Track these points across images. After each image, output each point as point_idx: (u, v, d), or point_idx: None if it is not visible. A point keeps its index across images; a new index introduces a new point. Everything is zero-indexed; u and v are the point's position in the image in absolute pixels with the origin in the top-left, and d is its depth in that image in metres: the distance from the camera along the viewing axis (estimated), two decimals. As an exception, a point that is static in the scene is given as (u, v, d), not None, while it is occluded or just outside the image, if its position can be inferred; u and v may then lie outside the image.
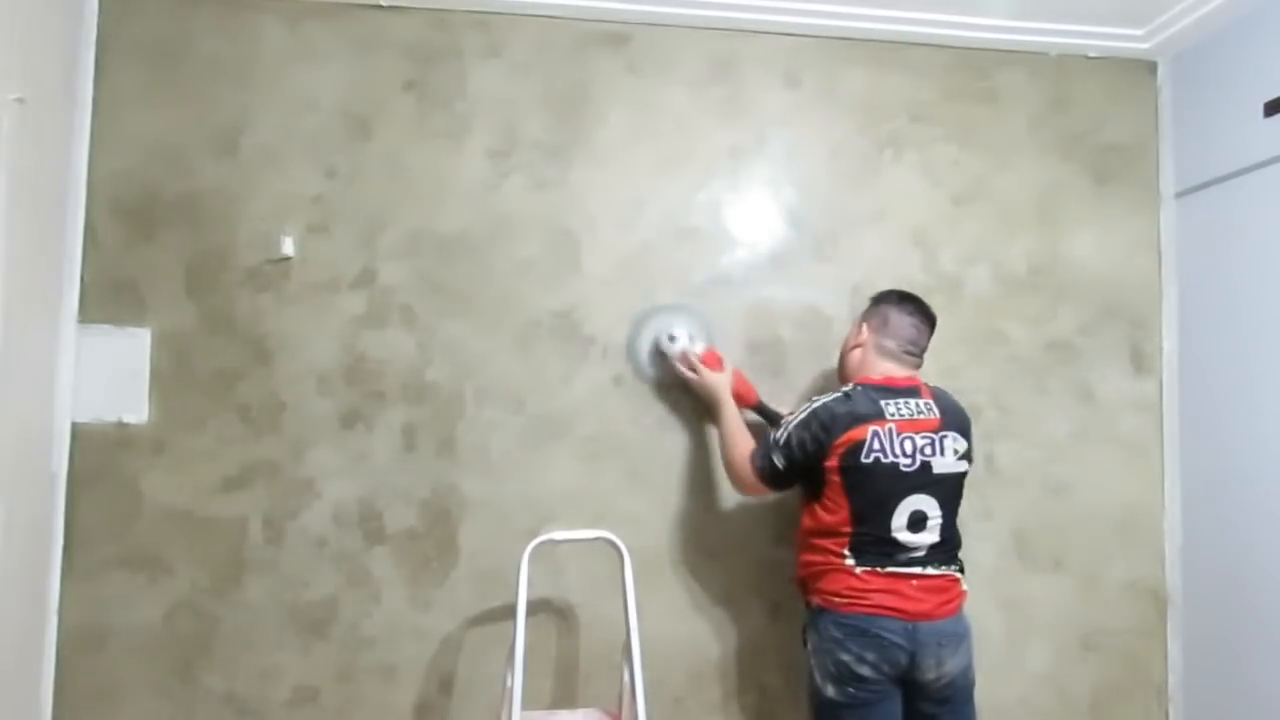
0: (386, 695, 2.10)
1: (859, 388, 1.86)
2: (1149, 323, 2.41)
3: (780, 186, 2.32)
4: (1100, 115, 2.44)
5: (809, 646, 1.85)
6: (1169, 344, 2.40)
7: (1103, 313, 2.40)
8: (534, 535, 2.03)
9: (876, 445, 1.77)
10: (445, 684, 2.12)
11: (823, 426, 1.80)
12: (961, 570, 1.87)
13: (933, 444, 1.81)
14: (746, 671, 2.21)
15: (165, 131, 2.11)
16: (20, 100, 1.67)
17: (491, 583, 2.14)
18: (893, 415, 1.80)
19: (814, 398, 1.89)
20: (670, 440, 2.22)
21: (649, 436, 2.21)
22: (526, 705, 1.85)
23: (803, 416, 1.84)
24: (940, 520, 1.81)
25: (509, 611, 2.13)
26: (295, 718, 2.07)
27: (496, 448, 2.17)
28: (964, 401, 1.89)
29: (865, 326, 1.97)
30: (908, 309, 1.96)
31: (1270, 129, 2.08)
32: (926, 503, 1.80)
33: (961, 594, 1.85)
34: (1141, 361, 2.41)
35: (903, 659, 1.74)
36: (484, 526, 2.15)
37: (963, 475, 1.87)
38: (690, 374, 2.10)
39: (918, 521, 1.79)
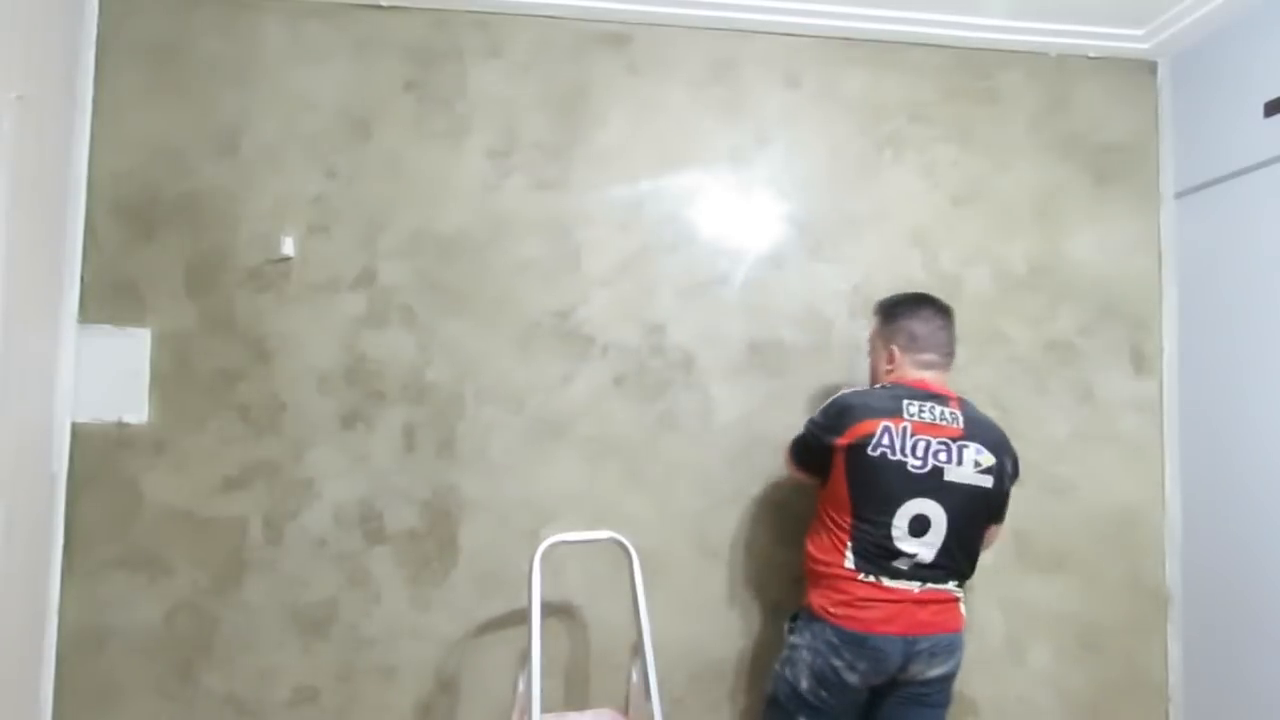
0: (386, 695, 2.10)
1: (886, 385, 1.88)
2: (1149, 323, 2.41)
3: (780, 186, 2.32)
4: (1100, 115, 2.44)
5: (795, 637, 1.83)
6: (1169, 344, 2.40)
7: (1103, 313, 2.39)
8: (534, 536, 2.03)
9: (885, 441, 1.77)
10: (445, 684, 2.12)
11: (839, 413, 1.83)
12: (960, 586, 1.83)
13: (948, 450, 1.78)
14: (747, 671, 2.21)
15: (165, 131, 2.11)
16: (21, 98, 1.67)
17: (491, 583, 2.14)
18: (911, 415, 1.79)
19: (843, 389, 1.92)
20: (670, 440, 2.22)
21: (649, 436, 2.21)
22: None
23: (826, 403, 1.89)
24: (945, 530, 1.76)
25: (509, 612, 2.13)
26: (295, 718, 2.07)
27: (497, 448, 2.17)
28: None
29: (895, 349, 1.91)
30: (926, 314, 1.92)
31: (1270, 129, 2.08)
32: (932, 509, 1.76)
33: (958, 612, 1.82)
34: (1141, 361, 2.40)
35: (894, 669, 1.75)
36: (484, 527, 2.15)
37: (984, 491, 1.80)
38: None
39: (920, 527, 1.76)
